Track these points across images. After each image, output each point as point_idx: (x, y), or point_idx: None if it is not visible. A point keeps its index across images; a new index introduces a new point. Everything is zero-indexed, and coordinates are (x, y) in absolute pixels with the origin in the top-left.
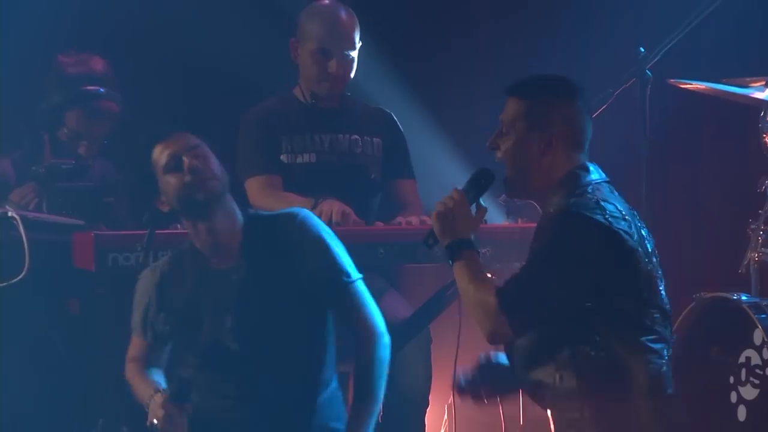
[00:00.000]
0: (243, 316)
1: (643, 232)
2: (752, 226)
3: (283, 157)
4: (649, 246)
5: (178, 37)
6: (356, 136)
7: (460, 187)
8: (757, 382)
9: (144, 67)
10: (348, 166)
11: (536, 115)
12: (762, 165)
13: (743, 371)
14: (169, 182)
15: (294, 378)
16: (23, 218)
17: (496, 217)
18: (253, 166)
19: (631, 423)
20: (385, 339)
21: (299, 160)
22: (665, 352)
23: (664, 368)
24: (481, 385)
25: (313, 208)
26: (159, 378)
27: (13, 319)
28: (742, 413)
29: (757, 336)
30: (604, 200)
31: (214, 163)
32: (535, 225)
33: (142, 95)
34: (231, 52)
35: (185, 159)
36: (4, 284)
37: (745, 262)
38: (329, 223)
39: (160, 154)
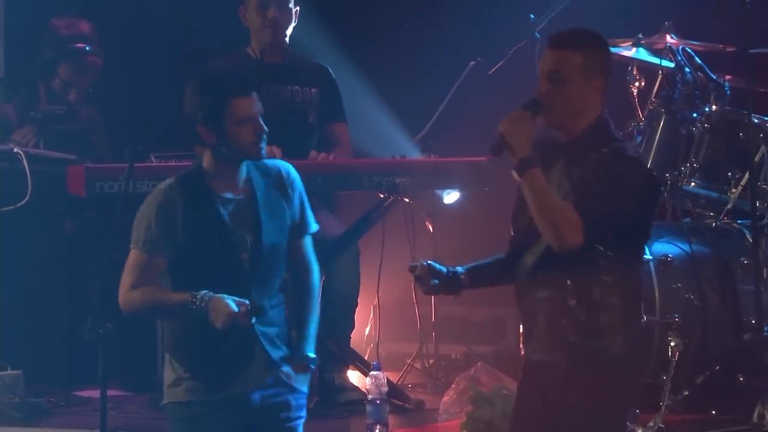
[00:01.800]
0: (260, 236)
1: None
2: None
3: None
4: None
5: (155, 5)
6: (297, 87)
7: (525, 108)
8: None
9: (123, 29)
10: (289, 113)
11: (590, 65)
12: (629, 111)
13: None
14: (243, 134)
15: (275, 293)
16: (26, 153)
17: (412, 152)
18: None
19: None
20: (318, 272)
21: None
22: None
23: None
24: (422, 282)
25: None
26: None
27: (17, 237)
28: None
29: None
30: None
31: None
32: (446, 160)
33: (122, 52)
34: (198, 19)
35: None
36: (10, 208)
37: None
38: None
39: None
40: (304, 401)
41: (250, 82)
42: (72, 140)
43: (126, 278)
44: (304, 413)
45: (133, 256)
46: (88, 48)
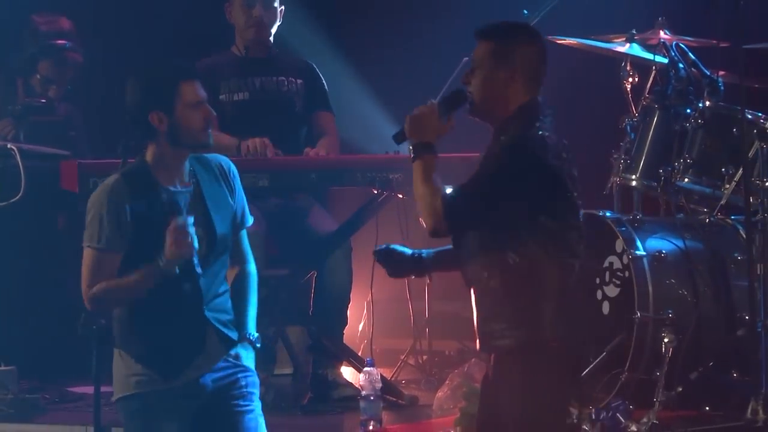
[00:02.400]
0: (212, 226)
1: (573, 166)
2: (614, 156)
3: (222, 97)
4: (575, 176)
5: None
6: (282, 78)
7: (435, 101)
8: (618, 282)
9: (102, 27)
10: (276, 101)
11: (501, 54)
12: (622, 106)
13: (607, 274)
14: (193, 119)
15: (222, 281)
16: (19, 149)
17: (405, 148)
18: None
19: (541, 317)
20: (253, 260)
21: (235, 98)
22: (576, 266)
23: (573, 278)
24: (385, 264)
25: (238, 147)
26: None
27: (10, 232)
28: (606, 308)
29: (619, 245)
30: (548, 136)
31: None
32: (439, 156)
33: (100, 49)
34: (179, 17)
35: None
36: (4, 204)
37: (609, 185)
38: (254, 155)
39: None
40: (256, 380)
41: (194, 69)
42: (51, 133)
43: (85, 278)
44: (256, 391)
45: (88, 254)
46: (67, 44)
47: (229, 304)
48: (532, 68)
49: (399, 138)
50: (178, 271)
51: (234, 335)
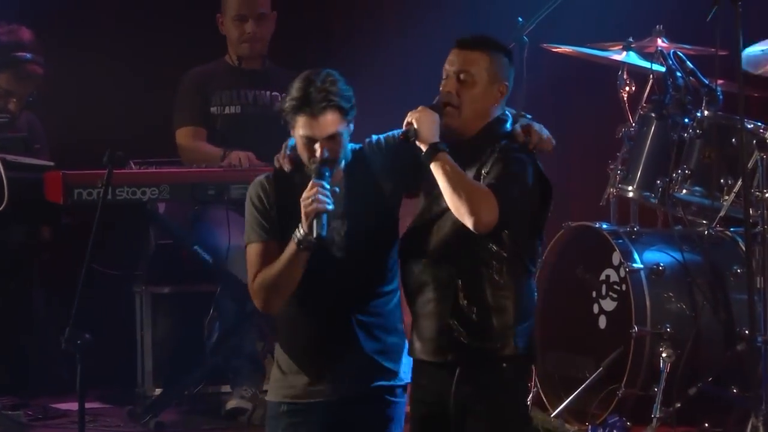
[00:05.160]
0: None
1: None
2: (611, 166)
3: (213, 109)
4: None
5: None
6: (276, 93)
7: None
8: (615, 296)
9: (64, 37)
10: (268, 116)
11: (497, 68)
12: (619, 116)
13: (603, 287)
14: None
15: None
16: (3, 160)
17: None
18: (182, 119)
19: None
20: None
21: (227, 111)
22: (537, 272)
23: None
24: None
25: (222, 158)
26: None
27: None
28: (602, 322)
29: (615, 257)
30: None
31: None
32: None
33: (63, 60)
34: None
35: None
36: None
37: (606, 196)
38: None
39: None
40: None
41: None
42: (15, 147)
43: (249, 275)
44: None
45: (248, 251)
46: (28, 56)
47: (394, 319)
48: (510, 84)
49: (407, 137)
50: (318, 235)
51: (391, 365)
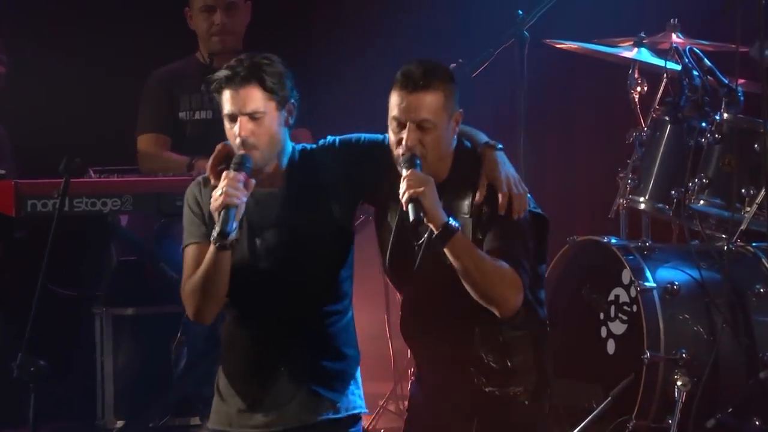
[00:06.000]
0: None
1: None
2: (621, 175)
3: (182, 115)
4: None
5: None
6: None
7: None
8: (624, 318)
9: (29, 36)
10: None
11: (451, 101)
12: (630, 119)
13: (612, 308)
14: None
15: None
16: None
17: None
18: (144, 125)
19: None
20: None
21: (197, 116)
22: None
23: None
24: None
25: (189, 168)
26: None
27: None
28: (611, 347)
29: (626, 275)
30: None
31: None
32: None
33: (16, 58)
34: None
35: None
36: None
37: (615, 208)
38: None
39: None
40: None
41: None
42: None
43: (183, 278)
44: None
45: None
46: None
47: (342, 342)
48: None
49: (419, 217)
50: (222, 231)
51: (332, 395)
